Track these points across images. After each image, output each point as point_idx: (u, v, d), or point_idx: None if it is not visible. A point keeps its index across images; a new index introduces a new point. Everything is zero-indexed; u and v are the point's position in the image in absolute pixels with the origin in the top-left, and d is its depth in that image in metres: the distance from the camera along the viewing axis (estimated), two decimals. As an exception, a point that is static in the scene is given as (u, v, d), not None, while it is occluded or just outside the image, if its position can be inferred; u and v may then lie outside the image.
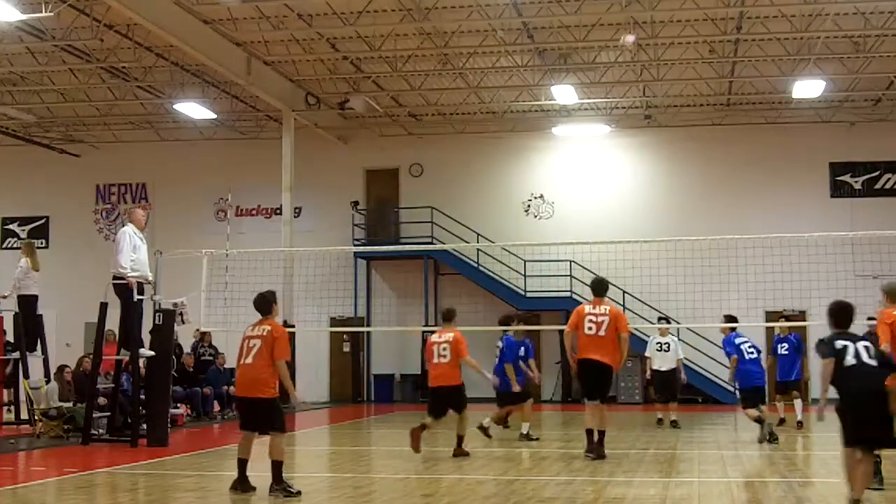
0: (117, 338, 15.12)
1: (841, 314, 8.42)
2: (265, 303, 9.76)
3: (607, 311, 11.95)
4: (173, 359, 15.41)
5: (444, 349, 12.34)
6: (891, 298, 11.57)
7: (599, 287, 12.39)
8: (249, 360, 9.44)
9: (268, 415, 9.41)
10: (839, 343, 8.13)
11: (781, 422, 16.79)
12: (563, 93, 23.66)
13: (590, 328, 11.90)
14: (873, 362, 8.03)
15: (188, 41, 19.84)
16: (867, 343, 8.15)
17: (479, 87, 24.57)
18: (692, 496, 9.59)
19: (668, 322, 18.84)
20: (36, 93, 25.16)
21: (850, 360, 8.03)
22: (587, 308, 12.14)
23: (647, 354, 17.49)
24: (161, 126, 28.29)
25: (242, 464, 9.38)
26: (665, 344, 17.18)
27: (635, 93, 25.02)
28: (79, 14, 19.28)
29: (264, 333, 9.45)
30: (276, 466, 9.21)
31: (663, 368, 17.07)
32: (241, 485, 9.32)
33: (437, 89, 24.84)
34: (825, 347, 8.21)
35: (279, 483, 9.18)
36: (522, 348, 15.01)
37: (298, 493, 9.17)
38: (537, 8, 19.56)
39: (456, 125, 27.52)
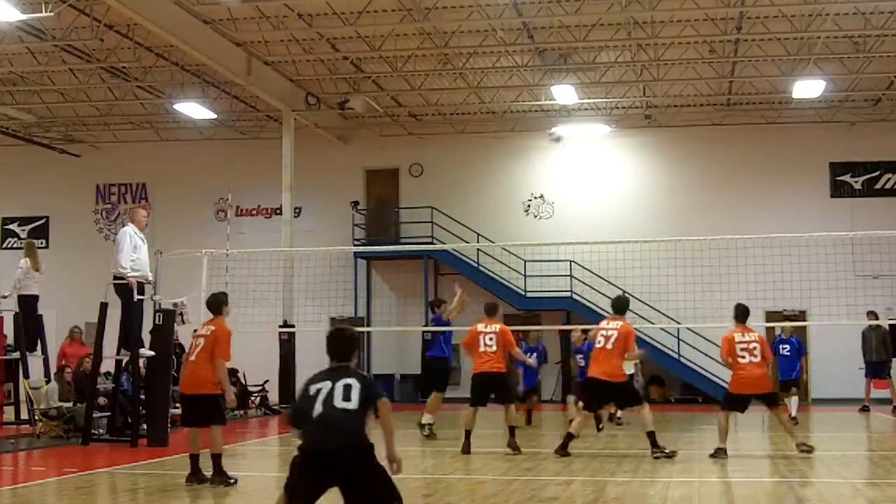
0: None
1: (330, 343, 6.06)
2: (216, 303, 10.35)
3: (618, 327, 12.61)
4: (173, 359, 15.42)
5: (491, 339, 13.12)
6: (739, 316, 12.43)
7: (619, 305, 13.19)
8: (193, 357, 10.05)
9: (210, 410, 10.02)
10: (312, 388, 5.80)
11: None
12: (563, 93, 23.65)
13: (599, 341, 12.65)
14: (350, 404, 5.72)
15: (188, 41, 19.83)
16: (352, 381, 5.80)
17: (479, 87, 24.56)
18: (692, 496, 9.59)
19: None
20: (36, 93, 25.16)
21: (317, 408, 5.72)
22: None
23: None
24: (161, 126, 28.29)
25: (194, 458, 10.03)
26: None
27: (635, 93, 25.02)
28: (79, 14, 19.28)
29: (208, 333, 10.03)
30: (216, 459, 9.89)
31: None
32: (195, 476, 10.00)
33: (437, 89, 24.83)
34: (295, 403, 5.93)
35: (219, 475, 9.89)
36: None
37: (235, 481, 9.89)
38: (537, 8, 19.56)
39: (456, 125, 27.52)
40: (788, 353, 17.36)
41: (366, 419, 5.88)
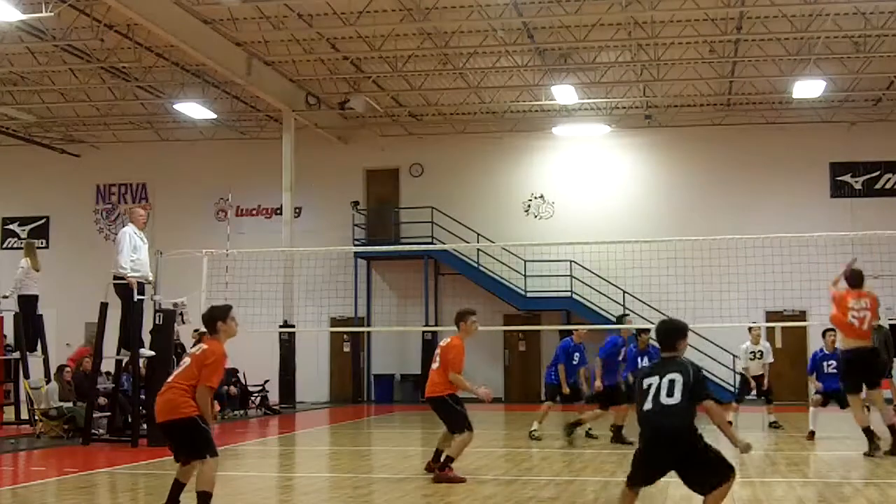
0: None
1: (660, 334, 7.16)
2: (208, 319, 8.41)
3: (867, 305, 12.20)
4: (173, 359, 15.41)
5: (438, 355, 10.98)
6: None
7: (858, 278, 12.58)
8: (170, 379, 8.38)
9: (193, 439, 8.03)
10: (645, 382, 6.86)
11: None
12: (563, 93, 23.65)
13: (852, 321, 12.23)
14: (672, 400, 6.65)
15: (188, 41, 19.84)
16: (676, 375, 6.72)
17: (479, 87, 24.56)
18: (692, 496, 9.57)
19: (758, 327, 18.21)
20: (36, 93, 25.16)
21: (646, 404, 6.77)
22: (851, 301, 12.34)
23: (743, 365, 17.09)
24: (161, 126, 28.29)
25: (176, 485, 8.19)
26: (759, 352, 16.84)
27: (635, 93, 25.02)
28: (79, 14, 19.29)
29: (197, 352, 8.25)
30: (202, 498, 7.87)
31: (757, 373, 16.94)
32: None
33: (437, 89, 24.84)
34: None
35: None
36: (577, 353, 15.18)
37: None
38: (537, 8, 19.57)
39: (456, 125, 27.52)
40: (836, 370, 14.94)
41: (692, 413, 6.67)
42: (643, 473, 6.85)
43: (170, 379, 8.28)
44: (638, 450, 6.86)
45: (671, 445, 6.64)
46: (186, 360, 8.27)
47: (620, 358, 14.80)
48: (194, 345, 18.04)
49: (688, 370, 6.76)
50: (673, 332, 7.08)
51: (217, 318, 8.31)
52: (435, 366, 10.71)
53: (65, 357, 19.84)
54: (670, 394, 6.65)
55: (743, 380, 17.18)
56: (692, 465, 6.64)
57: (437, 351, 10.83)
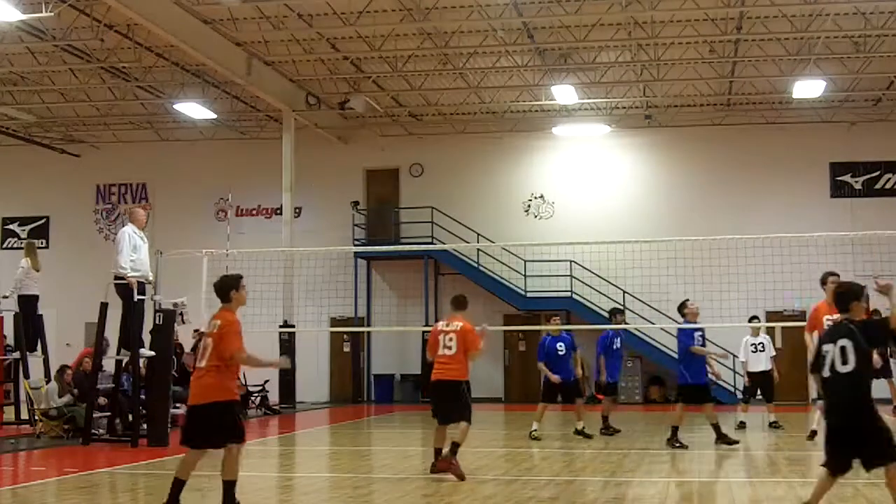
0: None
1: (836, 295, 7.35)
2: (223, 287, 8.50)
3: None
4: (173, 359, 15.42)
5: (451, 340, 10.93)
6: None
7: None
8: (203, 363, 8.21)
9: (223, 423, 8.15)
10: (823, 348, 7.07)
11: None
12: (563, 93, 23.65)
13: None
14: (847, 367, 6.88)
15: (188, 41, 19.84)
16: (846, 342, 6.92)
17: (479, 87, 24.56)
18: (692, 496, 9.60)
19: (759, 321, 18.29)
20: (36, 93, 25.16)
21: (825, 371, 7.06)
22: None
23: (742, 358, 17.07)
24: (161, 126, 28.29)
25: (177, 484, 8.08)
26: (759, 344, 16.83)
27: (635, 93, 25.02)
28: (79, 14, 19.29)
29: (214, 330, 8.20)
30: (228, 487, 8.04)
31: (759, 369, 16.87)
32: None
33: (437, 89, 24.84)
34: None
35: None
36: (561, 344, 15.32)
37: None
38: (537, 8, 19.57)
39: (456, 125, 27.52)
40: None
41: (866, 381, 6.88)
42: (833, 452, 6.90)
43: (201, 364, 8.15)
44: (826, 426, 6.99)
45: (847, 415, 6.77)
46: (208, 342, 8.16)
47: (700, 343, 14.15)
48: (193, 347, 17.91)
49: (854, 332, 6.82)
50: (846, 294, 7.11)
51: (231, 286, 8.50)
52: (450, 352, 10.75)
53: (65, 357, 19.83)
54: (844, 361, 6.79)
55: (749, 381, 17.15)
56: (868, 436, 6.75)
57: (450, 336, 10.84)
